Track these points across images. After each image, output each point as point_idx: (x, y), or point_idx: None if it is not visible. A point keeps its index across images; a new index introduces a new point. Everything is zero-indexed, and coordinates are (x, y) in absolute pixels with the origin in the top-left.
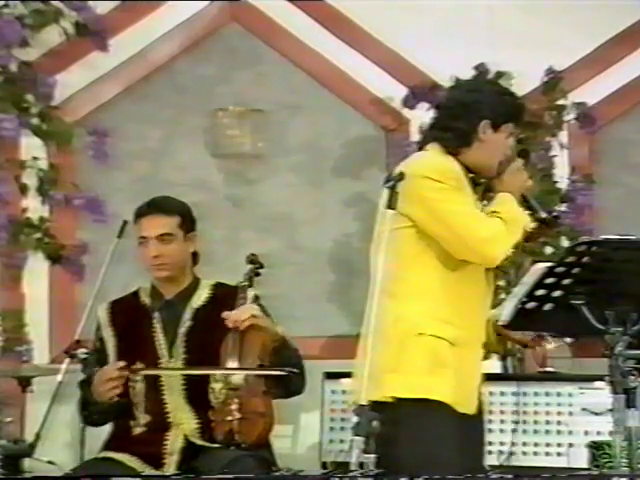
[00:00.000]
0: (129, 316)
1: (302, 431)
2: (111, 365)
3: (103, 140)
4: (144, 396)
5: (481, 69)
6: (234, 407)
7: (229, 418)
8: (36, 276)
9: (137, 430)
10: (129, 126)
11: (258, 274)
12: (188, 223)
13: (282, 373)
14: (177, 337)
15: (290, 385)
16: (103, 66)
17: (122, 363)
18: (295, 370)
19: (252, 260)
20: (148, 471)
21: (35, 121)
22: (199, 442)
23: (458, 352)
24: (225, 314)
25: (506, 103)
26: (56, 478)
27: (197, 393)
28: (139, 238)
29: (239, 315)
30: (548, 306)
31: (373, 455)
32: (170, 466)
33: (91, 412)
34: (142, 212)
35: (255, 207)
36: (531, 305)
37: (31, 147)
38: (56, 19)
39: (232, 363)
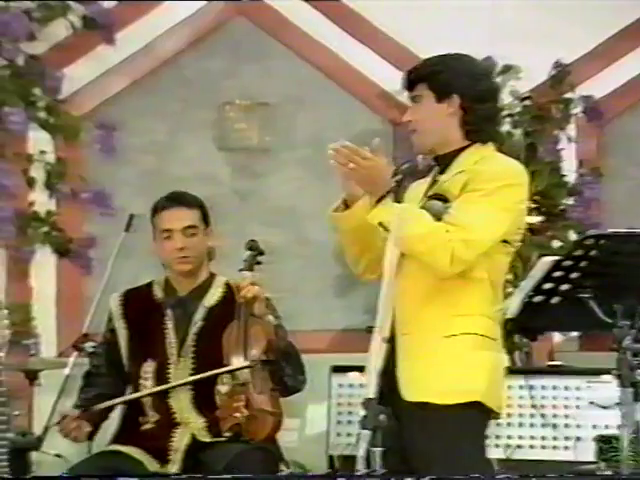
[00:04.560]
0: (142, 310)
1: (309, 424)
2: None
3: (110, 134)
4: (151, 396)
5: (488, 62)
6: (241, 403)
7: (237, 414)
8: (43, 270)
9: (146, 426)
10: (136, 120)
11: (259, 262)
12: (207, 217)
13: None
14: (188, 336)
15: (284, 377)
16: (110, 60)
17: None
18: (273, 359)
19: (251, 247)
20: (156, 465)
21: (42, 115)
22: (207, 439)
23: None
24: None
25: None
26: (55, 478)
27: (204, 395)
28: (162, 231)
29: (242, 285)
30: (555, 300)
31: (380, 448)
32: (176, 461)
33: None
34: (163, 205)
35: (262, 201)
36: (538, 299)
37: (38, 141)
38: (63, 13)
39: (236, 354)
